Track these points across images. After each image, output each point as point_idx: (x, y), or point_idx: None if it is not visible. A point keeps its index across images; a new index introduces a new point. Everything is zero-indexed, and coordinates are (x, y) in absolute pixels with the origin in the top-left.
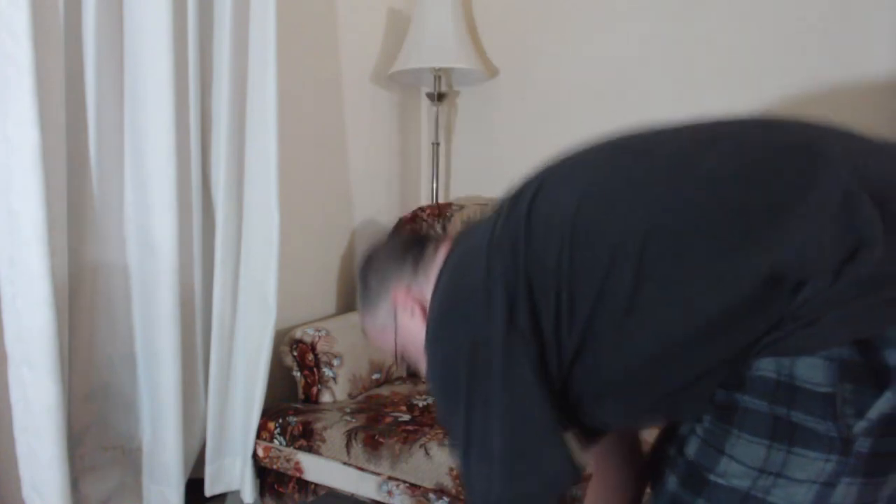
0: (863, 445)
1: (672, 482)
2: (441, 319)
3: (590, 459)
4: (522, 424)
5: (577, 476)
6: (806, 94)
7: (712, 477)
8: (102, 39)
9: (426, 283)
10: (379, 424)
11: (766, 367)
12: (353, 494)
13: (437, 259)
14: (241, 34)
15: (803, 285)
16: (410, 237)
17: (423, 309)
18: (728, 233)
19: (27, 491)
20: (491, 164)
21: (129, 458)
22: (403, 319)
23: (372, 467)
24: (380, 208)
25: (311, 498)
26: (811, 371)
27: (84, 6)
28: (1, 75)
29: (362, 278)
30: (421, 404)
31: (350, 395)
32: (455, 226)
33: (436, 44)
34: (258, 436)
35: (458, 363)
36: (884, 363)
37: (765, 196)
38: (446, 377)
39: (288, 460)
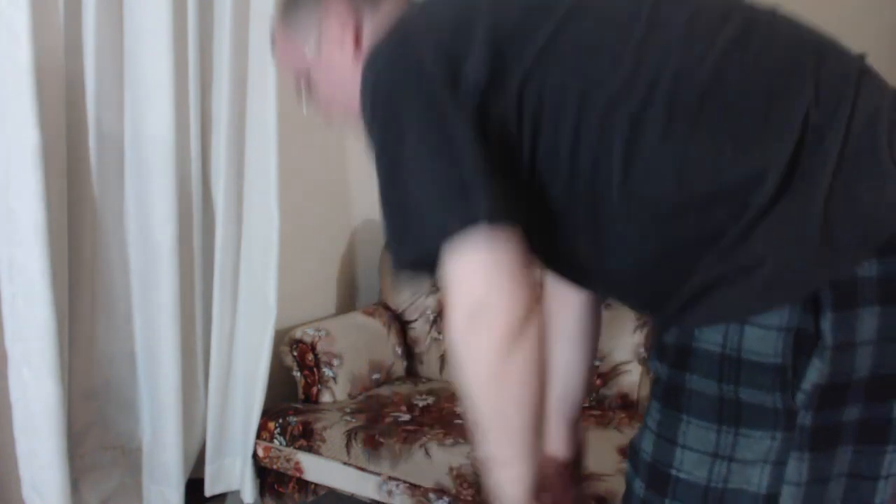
0: (805, 419)
1: (638, 486)
2: (392, 40)
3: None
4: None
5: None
6: None
7: (673, 471)
8: (102, 39)
9: (377, 15)
10: (379, 424)
11: (710, 338)
12: (353, 494)
13: None
14: (241, 34)
15: (764, 178)
16: None
17: (357, 44)
18: (746, 107)
19: (27, 491)
20: None
21: (129, 458)
22: (328, 49)
23: (372, 467)
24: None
25: (311, 498)
26: (760, 343)
27: (84, 6)
28: (1, 75)
29: None
30: (421, 404)
31: (350, 395)
32: None
33: None
34: (258, 436)
35: (402, 90)
36: (818, 328)
37: (766, 89)
38: (385, 99)
39: (288, 460)
